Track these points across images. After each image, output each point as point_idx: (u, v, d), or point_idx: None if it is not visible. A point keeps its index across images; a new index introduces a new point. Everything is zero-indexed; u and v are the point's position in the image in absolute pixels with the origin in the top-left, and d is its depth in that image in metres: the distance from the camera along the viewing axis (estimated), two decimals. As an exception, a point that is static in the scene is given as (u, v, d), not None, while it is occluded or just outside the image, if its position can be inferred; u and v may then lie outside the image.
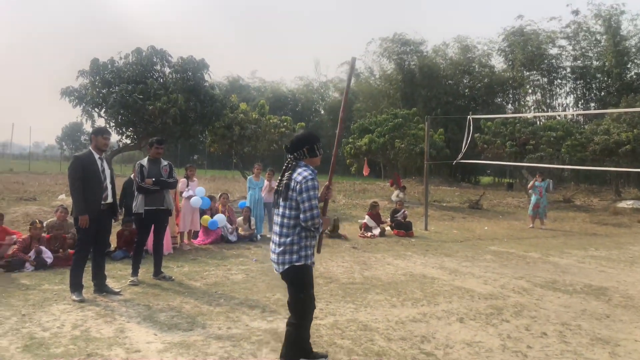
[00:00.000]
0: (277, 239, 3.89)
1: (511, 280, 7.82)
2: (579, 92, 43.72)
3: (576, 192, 28.37)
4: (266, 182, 11.53)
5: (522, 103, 45.80)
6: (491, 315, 5.87)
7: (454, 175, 42.19)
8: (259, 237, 10.96)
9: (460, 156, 14.80)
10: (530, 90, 45.21)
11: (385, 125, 24.65)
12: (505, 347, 4.83)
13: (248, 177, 11.79)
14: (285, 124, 20.75)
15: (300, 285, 3.88)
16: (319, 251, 4.26)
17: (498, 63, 46.33)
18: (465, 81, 46.16)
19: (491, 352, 4.68)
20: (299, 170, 3.84)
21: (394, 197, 20.88)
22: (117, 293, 6.22)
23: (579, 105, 43.18)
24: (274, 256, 3.92)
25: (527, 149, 23.14)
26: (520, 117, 26.29)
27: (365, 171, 22.79)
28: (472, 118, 14.75)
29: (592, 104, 42.20)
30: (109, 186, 6.20)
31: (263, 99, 23.77)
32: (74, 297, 5.89)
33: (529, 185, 16.24)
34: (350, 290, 6.76)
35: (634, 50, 39.83)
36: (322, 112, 61.76)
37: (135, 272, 6.89)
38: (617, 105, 31.46)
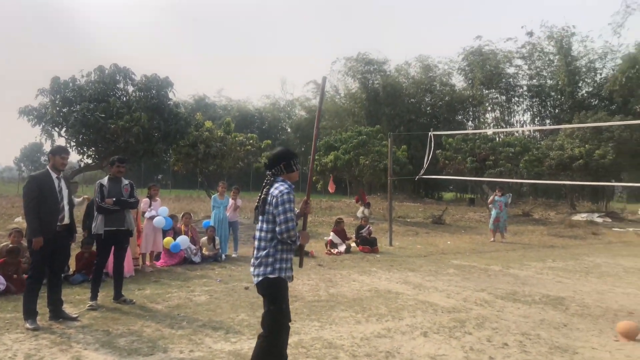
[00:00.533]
0: (255, 252, 3.93)
1: (473, 292, 7.91)
2: (535, 110, 45.18)
3: (534, 206, 29.10)
4: (231, 201, 11.40)
5: (482, 120, 47.01)
6: (454, 328, 5.91)
7: (417, 192, 42.77)
8: (223, 257, 10.79)
9: (422, 172, 15.01)
10: (489, 108, 46.49)
11: (350, 142, 24.86)
12: (468, 359, 4.85)
13: (212, 196, 11.63)
14: (251, 141, 20.67)
15: (272, 298, 3.87)
16: (300, 266, 4.29)
17: (458, 82, 47.55)
18: (427, 99, 47.13)
19: (454, 365, 4.70)
20: (276, 185, 3.91)
21: (359, 214, 20.97)
22: (75, 319, 5.98)
23: (535, 121, 44.59)
24: (252, 269, 3.95)
25: (487, 164, 23.69)
26: (480, 133, 26.94)
27: (331, 188, 22.83)
28: (434, 135, 15.02)
29: (548, 121, 43.63)
30: (66, 207, 5.99)
31: (229, 117, 23.65)
32: (28, 325, 5.61)
33: (489, 200, 16.56)
34: (315, 308, 6.70)
35: (584, 69, 41.53)
36: (289, 130, 61.88)
37: (94, 296, 6.66)
38: (570, 121, 32.64)
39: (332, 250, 12.08)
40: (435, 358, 4.88)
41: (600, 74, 41.21)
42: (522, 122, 45.81)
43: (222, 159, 18.81)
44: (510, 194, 16.93)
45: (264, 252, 3.87)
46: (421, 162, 15.27)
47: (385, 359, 4.83)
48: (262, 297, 3.95)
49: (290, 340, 5.25)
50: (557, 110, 42.92)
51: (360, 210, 21.19)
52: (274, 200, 3.82)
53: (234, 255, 11.20)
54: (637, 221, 24.24)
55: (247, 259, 10.83)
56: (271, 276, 3.85)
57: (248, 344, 5.12)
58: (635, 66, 35.61)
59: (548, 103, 44.02)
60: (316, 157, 25.32)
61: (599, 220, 24.12)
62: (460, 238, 16.42)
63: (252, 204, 21.96)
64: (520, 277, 9.40)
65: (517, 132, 40.01)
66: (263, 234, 3.89)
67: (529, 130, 41.44)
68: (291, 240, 3.84)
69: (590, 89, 41.59)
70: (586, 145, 26.36)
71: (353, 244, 12.79)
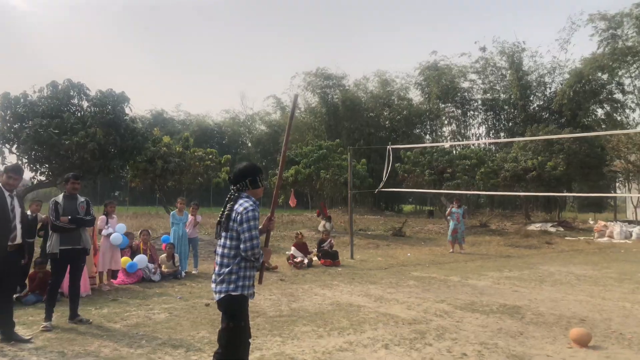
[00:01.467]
0: (217, 268, 3.89)
1: (433, 304, 8.05)
2: (489, 123, 46.52)
3: (491, 217, 29.87)
4: (190, 217, 11.26)
5: (439, 133, 48.07)
6: (415, 339, 6.00)
7: (377, 204, 43.19)
8: (183, 274, 10.62)
9: (381, 185, 15.22)
10: (446, 122, 47.61)
11: (310, 156, 24.96)
12: (429, 371, 4.93)
13: (171, 212, 11.46)
14: (210, 156, 20.49)
15: (232, 315, 3.84)
16: (260, 282, 4.29)
17: (415, 96, 48.52)
18: (385, 113, 47.87)
19: (415, 377, 4.76)
20: (241, 201, 3.88)
21: (320, 227, 20.99)
22: (28, 341, 5.76)
23: (490, 134, 45.92)
24: (213, 285, 3.92)
25: (445, 176, 24.22)
26: (438, 146, 27.56)
27: (292, 202, 22.83)
28: (392, 148, 15.28)
29: (502, 134, 45.00)
30: (18, 226, 5.81)
31: (187, 132, 23.40)
32: None
33: (447, 212, 16.92)
34: (277, 323, 6.68)
35: (534, 84, 43.15)
36: (249, 144, 61.56)
37: (48, 317, 6.44)
38: (523, 134, 33.77)
39: (295, 260, 12.12)
40: (397, 370, 4.94)
41: (550, 88, 42.93)
42: (477, 135, 47.12)
43: (180, 175, 18.59)
44: (466, 207, 17.31)
45: (227, 269, 3.84)
46: (381, 176, 15.49)
47: (348, 372, 4.86)
48: (222, 313, 3.92)
49: (251, 357, 5.23)
50: (510, 124, 44.34)
51: (322, 224, 21.20)
52: (238, 217, 3.79)
53: (194, 272, 11.04)
54: (587, 230, 25.18)
55: (207, 275, 10.70)
56: (233, 293, 3.82)
57: (209, 363, 5.06)
58: (581, 80, 37.32)
59: (502, 116, 45.47)
60: (276, 171, 25.28)
61: (552, 229, 24.96)
62: (420, 250, 16.68)
63: (213, 220, 21.72)
64: (478, 287, 9.63)
65: (473, 145, 41.10)
66: (226, 251, 3.86)
67: (485, 143, 42.64)
68: (254, 258, 3.82)
69: (541, 103, 43.23)
70: (539, 157, 27.32)
71: (315, 258, 12.82)
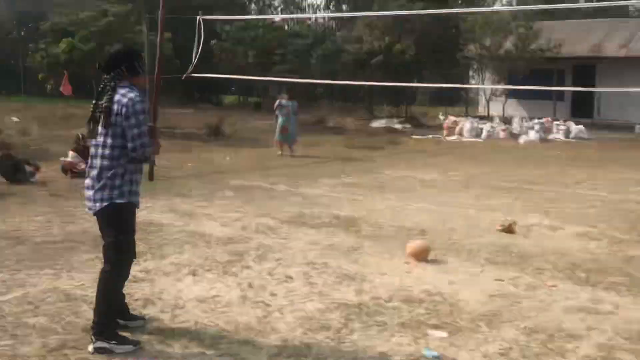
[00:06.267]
0: (96, 172, 4.10)
1: (254, 218, 8.40)
2: (330, -8, 47.37)
3: (329, 112, 31.20)
4: None
5: (267, 2, 47.82)
6: (230, 262, 6.26)
7: (189, 95, 42.38)
8: None
9: (190, 69, 14.83)
10: (276, -14, 47.36)
11: (91, 26, 23.26)
12: (246, 299, 5.23)
13: None
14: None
15: (119, 225, 4.16)
16: (151, 179, 4.77)
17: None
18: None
19: (229, 307, 5.03)
20: (122, 91, 4.10)
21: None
22: None
23: (331, 7, 46.95)
24: (90, 192, 4.16)
25: (274, 59, 24.49)
26: (265, 20, 27.51)
27: (66, 89, 21.39)
28: (204, 19, 14.82)
29: (344, 6, 46.22)
30: None
31: None
32: None
33: (275, 105, 17.22)
34: (47, 252, 6.50)
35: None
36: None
37: None
38: (370, 8, 35.03)
39: (76, 168, 11.65)
40: (206, 300, 5.15)
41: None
42: (315, 7, 47.88)
43: None
44: (297, 102, 17.67)
45: (110, 172, 4.07)
46: (192, 56, 15.11)
47: (143, 307, 4.94)
48: (102, 226, 4.24)
49: (10, 297, 5.09)
50: (355, -6, 45.64)
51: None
52: (123, 110, 4.02)
53: None
54: (437, 127, 27.73)
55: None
56: (118, 201, 4.10)
57: None
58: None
59: (345, -17, 46.49)
60: (41, 46, 23.28)
61: (399, 126, 27.05)
62: (242, 152, 17.04)
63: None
64: (309, 197, 10.23)
65: (310, 20, 41.73)
66: (107, 151, 4.07)
67: (323, 18, 43.55)
68: (145, 156, 4.16)
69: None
70: (386, 39, 28.82)
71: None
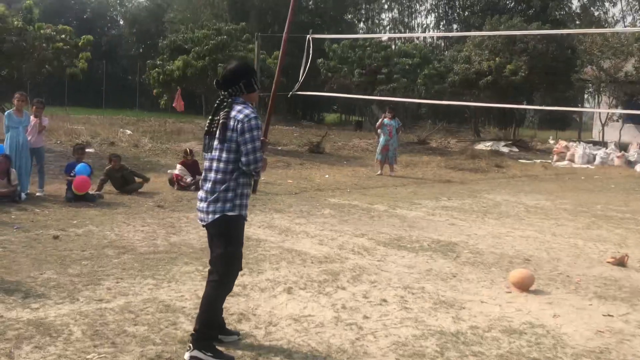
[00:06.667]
0: (210, 186, 4.28)
1: (351, 238, 8.37)
2: (440, 11, 47.15)
3: (432, 132, 30.90)
4: (33, 119, 10.72)
5: (376, 22, 48.16)
6: (325, 282, 6.25)
7: (293, 112, 43.32)
8: (23, 196, 10.24)
9: (297, 86, 15.11)
10: (386, 6, 47.60)
11: (205, 43, 24.21)
12: (339, 320, 5.19)
13: (6, 112, 10.85)
14: (63, 36, 19.33)
15: (229, 238, 4.32)
16: (254, 192, 4.87)
17: (350, -32, 47.78)
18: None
19: (322, 327, 5.01)
20: (238, 107, 4.24)
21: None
22: None
23: (441, 26, 46.62)
24: (202, 204, 4.33)
25: (379, 79, 24.52)
26: (373, 39, 27.62)
27: (179, 105, 22.32)
28: (314, 38, 15.08)
29: (455, 26, 45.81)
30: None
31: (31, 0, 21.77)
32: None
33: (377, 124, 17.23)
34: (150, 262, 6.70)
35: (501, -38, 43.69)
36: (122, 22, 58.56)
37: None
38: (480, 28, 34.53)
39: (183, 181, 12.12)
40: (300, 319, 5.15)
41: (520, -31, 43.70)
42: (424, 27, 47.73)
43: (20, 60, 17.46)
44: (400, 123, 17.66)
45: (223, 185, 4.24)
46: (298, 74, 15.40)
47: (238, 322, 5.00)
48: (212, 237, 4.39)
49: (113, 305, 5.29)
50: (466, 13, 45.13)
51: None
52: (239, 126, 4.16)
53: (38, 194, 10.69)
54: (546, 151, 26.84)
55: (56, 199, 10.42)
56: (230, 213, 4.27)
57: (54, 311, 5.02)
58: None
59: (456, 3, 46.07)
60: (158, 62, 24.44)
61: (505, 149, 26.35)
62: (342, 170, 17.09)
63: (67, 125, 20.93)
64: (408, 219, 10.09)
65: (418, 39, 41.55)
66: (222, 165, 4.24)
67: (432, 37, 43.27)
68: (256, 172, 4.33)
69: (507, -13, 44.10)
70: (496, 59, 28.21)
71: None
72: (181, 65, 23.38)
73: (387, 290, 6.10)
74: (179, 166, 12.62)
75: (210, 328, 4.35)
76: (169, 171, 13.63)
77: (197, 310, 5.18)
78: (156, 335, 4.65)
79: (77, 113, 32.60)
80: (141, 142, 19.80)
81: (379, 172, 16.46)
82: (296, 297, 5.73)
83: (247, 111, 4.22)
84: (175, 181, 12.26)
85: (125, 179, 11.44)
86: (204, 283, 5.93)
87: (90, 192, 10.49)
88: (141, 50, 51.95)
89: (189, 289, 5.81)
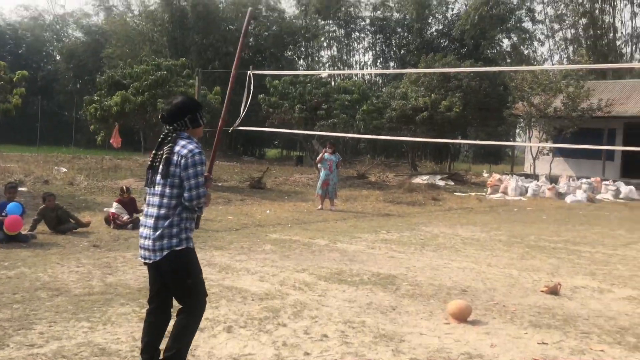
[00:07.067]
0: (153, 222, 4.26)
1: (292, 274, 8.34)
2: (378, 49, 48.18)
3: (371, 167, 31.32)
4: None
5: (316, 59, 48.82)
6: (266, 319, 6.18)
7: (234, 147, 43.16)
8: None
9: (238, 122, 15.10)
10: (325, 44, 48.35)
11: (145, 79, 23.93)
12: (280, 358, 5.15)
13: None
14: (-3, 71, 18.82)
15: (185, 271, 4.35)
16: (197, 227, 4.79)
17: (289, 7, 48.61)
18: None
19: (262, 366, 4.94)
20: (182, 142, 4.26)
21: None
22: None
23: (378, 64, 47.60)
24: (147, 242, 4.28)
25: (319, 114, 24.76)
26: (313, 75, 27.95)
27: (116, 141, 21.93)
28: (255, 74, 15.15)
29: (392, 63, 46.85)
30: None
31: (-38, 36, 21.21)
32: None
33: (318, 158, 17.34)
34: (85, 304, 6.50)
35: (435, 2, 45.12)
36: (58, 57, 57.45)
37: None
38: (416, 65, 35.43)
39: (120, 220, 11.84)
40: (240, 358, 5.08)
41: (452, 10, 45.25)
42: (362, 64, 48.59)
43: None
44: (341, 158, 17.88)
45: (167, 221, 4.23)
46: (239, 110, 15.41)
47: (176, 364, 4.88)
48: (166, 274, 4.34)
49: (46, 349, 5.08)
50: (402, 51, 46.29)
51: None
52: (182, 161, 4.19)
53: None
54: (480, 184, 27.48)
55: None
56: (178, 248, 4.26)
57: None
58: (489, 2, 39.80)
59: (393, 41, 47.24)
60: (95, 98, 24.02)
61: (441, 183, 26.88)
62: (283, 206, 17.08)
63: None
64: (348, 253, 10.13)
65: (356, 75, 42.32)
66: (165, 200, 4.25)
67: (370, 75, 44.11)
68: (199, 207, 4.34)
69: (441, 27, 45.60)
70: (432, 95, 28.96)
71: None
72: (119, 101, 22.97)
73: (328, 325, 6.08)
74: (115, 204, 12.36)
75: (181, 356, 4.45)
76: (105, 209, 13.32)
77: (133, 353, 5.09)
78: (90, 380, 4.50)
79: (9, 150, 31.71)
80: (76, 180, 19.37)
81: (319, 207, 16.51)
82: (236, 336, 5.65)
83: (191, 146, 4.23)
84: (111, 220, 11.99)
85: (60, 219, 11.11)
86: (141, 324, 5.80)
87: (23, 232, 10.14)
88: (78, 86, 51.04)
89: (125, 331, 5.65)
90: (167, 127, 4.36)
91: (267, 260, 9.27)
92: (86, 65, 50.14)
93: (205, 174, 4.49)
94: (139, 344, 5.30)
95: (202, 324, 5.83)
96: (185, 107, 4.37)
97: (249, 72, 15.27)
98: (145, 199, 4.47)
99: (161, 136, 4.36)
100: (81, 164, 25.20)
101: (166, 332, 4.58)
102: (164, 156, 4.23)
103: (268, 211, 15.74)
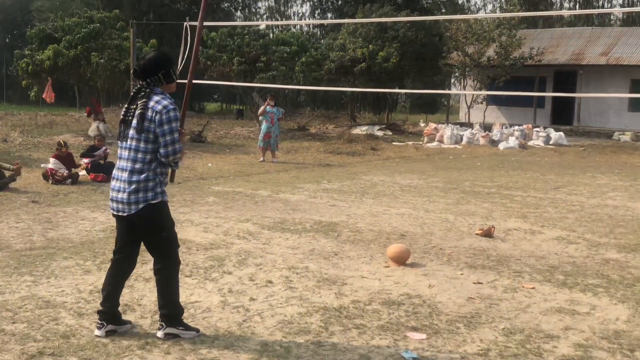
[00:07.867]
0: (127, 176, 4.25)
1: (236, 224, 8.38)
2: (315, 0, 47.52)
3: (311, 119, 31.33)
4: None
5: (254, 10, 47.95)
6: (211, 268, 6.23)
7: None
8: None
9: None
10: (262, -5, 47.43)
11: (77, 32, 23.10)
12: (226, 304, 5.21)
13: None
14: None
15: (160, 224, 4.38)
16: (172, 180, 4.90)
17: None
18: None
19: (209, 312, 5.00)
20: (156, 97, 4.23)
21: (91, 132, 20.09)
22: None
23: (316, 15, 47.11)
24: (122, 195, 4.27)
25: (258, 67, 24.47)
26: (251, 27, 27.51)
27: (49, 97, 21.24)
28: (191, 25, 14.80)
29: (329, 14, 46.44)
30: None
31: None
32: None
33: (260, 111, 17.27)
34: (27, 259, 6.39)
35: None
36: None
37: None
38: (353, 16, 35.23)
39: (57, 175, 11.56)
40: (186, 306, 5.09)
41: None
42: (300, 15, 48.04)
43: None
44: (283, 110, 17.88)
45: (142, 175, 4.23)
46: (177, 63, 15.09)
47: (123, 313, 4.88)
48: (140, 227, 4.35)
49: (-11, 305, 4.99)
50: (340, 2, 45.85)
51: (94, 127, 20.29)
52: (157, 117, 4.16)
53: None
54: (417, 134, 27.88)
55: None
56: (154, 201, 4.28)
57: None
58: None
59: (330, -8, 46.71)
60: (27, 52, 23.08)
61: (380, 133, 27.15)
62: (224, 159, 17.01)
63: None
64: (291, 203, 10.23)
65: (294, 27, 41.85)
66: (140, 155, 4.23)
67: (308, 26, 43.71)
68: (174, 163, 4.34)
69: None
70: (369, 46, 28.97)
71: (83, 172, 12.33)
72: (51, 55, 22.15)
73: (272, 271, 6.17)
74: (52, 159, 12.05)
75: (177, 307, 4.50)
76: (42, 165, 12.97)
77: (79, 304, 5.06)
78: (37, 332, 4.46)
79: None
80: (10, 137, 18.73)
81: (261, 159, 16.50)
82: (182, 285, 5.63)
83: (165, 102, 4.21)
84: (49, 175, 11.70)
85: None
86: (85, 277, 5.81)
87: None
88: (7, 41, 48.81)
89: (69, 284, 5.60)
90: (140, 82, 4.33)
91: (210, 211, 9.27)
92: (15, 19, 47.91)
93: (179, 129, 4.47)
94: (85, 295, 5.31)
95: (147, 275, 5.92)
96: (159, 63, 4.32)
97: (185, 23, 14.93)
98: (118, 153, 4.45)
99: (134, 90, 4.35)
100: (15, 121, 24.32)
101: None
102: (138, 111, 4.21)
103: (210, 164, 15.64)
